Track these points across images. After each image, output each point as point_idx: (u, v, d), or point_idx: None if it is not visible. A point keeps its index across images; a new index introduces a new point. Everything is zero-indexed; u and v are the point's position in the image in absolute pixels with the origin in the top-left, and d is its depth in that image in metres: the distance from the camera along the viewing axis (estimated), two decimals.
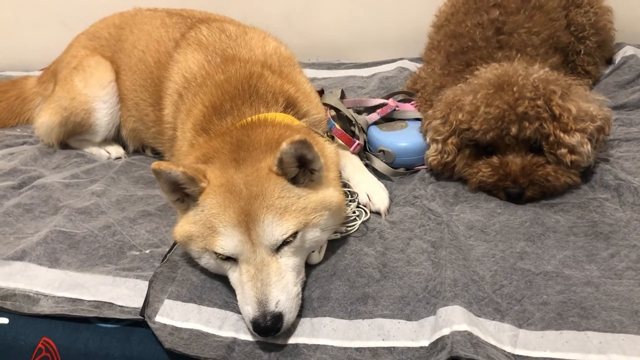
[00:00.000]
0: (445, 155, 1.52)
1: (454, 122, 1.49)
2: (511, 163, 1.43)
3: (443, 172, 1.56)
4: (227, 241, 1.19)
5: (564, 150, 1.40)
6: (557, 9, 1.87)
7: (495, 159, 1.46)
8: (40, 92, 2.23)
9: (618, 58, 2.07)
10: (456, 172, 1.54)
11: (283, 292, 1.17)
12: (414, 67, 2.26)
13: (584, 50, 1.94)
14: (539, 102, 1.39)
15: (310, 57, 2.57)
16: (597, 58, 1.99)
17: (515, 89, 1.41)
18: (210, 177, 1.25)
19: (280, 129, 1.35)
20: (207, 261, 1.29)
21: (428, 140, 1.56)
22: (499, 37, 1.73)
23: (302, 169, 1.28)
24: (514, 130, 1.40)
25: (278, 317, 1.14)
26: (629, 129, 1.67)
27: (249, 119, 1.39)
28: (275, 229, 1.19)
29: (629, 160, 1.53)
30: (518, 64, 1.52)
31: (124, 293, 1.33)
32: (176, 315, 1.24)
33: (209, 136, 1.40)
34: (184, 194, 1.28)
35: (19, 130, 2.29)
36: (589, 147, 1.40)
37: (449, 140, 1.51)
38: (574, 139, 1.39)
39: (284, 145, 1.19)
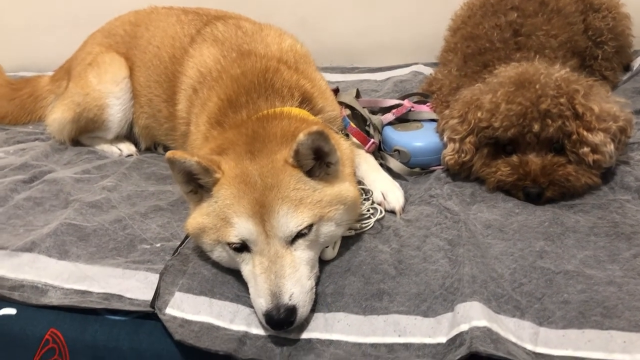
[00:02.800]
0: (462, 155, 1.49)
1: (473, 121, 1.46)
2: (531, 162, 1.41)
3: (460, 172, 1.53)
4: (241, 230, 1.17)
5: (586, 149, 1.38)
6: (575, 13, 1.86)
7: (515, 158, 1.43)
8: (54, 90, 2.23)
9: (636, 65, 2.05)
10: (474, 172, 1.52)
11: (297, 285, 1.15)
12: (428, 71, 2.25)
13: (601, 55, 1.92)
14: (562, 100, 1.37)
15: (323, 62, 2.57)
16: (615, 64, 1.97)
17: (537, 86, 1.39)
18: (224, 168, 1.24)
19: (296, 122, 1.34)
20: (219, 254, 1.27)
21: (445, 139, 1.54)
22: (516, 38, 1.72)
23: (317, 162, 1.26)
24: (536, 127, 1.37)
25: (291, 310, 1.12)
26: None
27: (265, 112, 1.38)
28: (290, 220, 1.17)
29: None
30: (539, 63, 1.50)
31: (133, 285, 1.31)
32: (187, 308, 1.22)
33: (223, 128, 1.38)
34: (197, 185, 1.27)
35: (31, 127, 2.29)
36: (612, 146, 1.38)
37: (467, 139, 1.48)
38: (597, 137, 1.36)
39: (301, 136, 1.17)
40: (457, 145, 1.50)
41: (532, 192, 1.40)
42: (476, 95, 1.51)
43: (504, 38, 1.72)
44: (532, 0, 1.80)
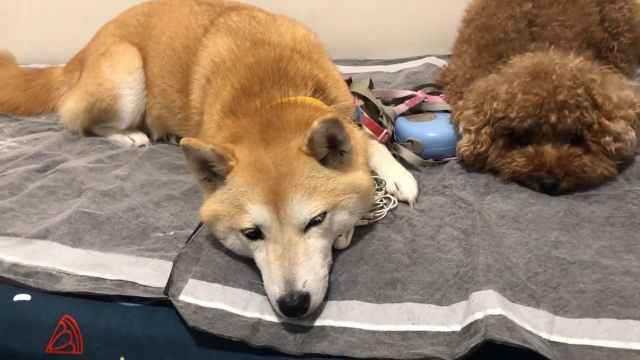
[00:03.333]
0: (478, 146, 1.48)
1: (489, 112, 1.45)
2: (546, 153, 1.40)
3: (475, 163, 1.52)
4: (255, 216, 1.17)
5: (608, 139, 1.37)
6: (591, 4, 1.84)
7: (530, 149, 1.42)
8: (67, 81, 2.24)
9: None
10: (488, 163, 1.51)
11: (310, 273, 1.15)
12: (441, 63, 2.23)
13: (617, 47, 1.90)
14: (579, 91, 1.36)
15: (335, 55, 2.56)
16: (631, 56, 1.94)
17: (554, 77, 1.38)
18: (238, 156, 1.24)
19: (310, 110, 1.34)
20: (232, 242, 1.27)
21: (461, 130, 1.53)
22: (531, 29, 1.70)
23: (331, 150, 1.26)
24: (553, 118, 1.36)
25: (305, 297, 1.12)
26: None
27: (279, 100, 1.38)
28: (304, 208, 1.17)
29: None
30: (553, 53, 1.49)
31: (147, 273, 1.31)
32: (200, 295, 1.22)
33: (237, 117, 1.38)
34: (211, 172, 1.27)
35: (44, 118, 2.30)
36: (633, 133, 1.38)
37: (483, 130, 1.47)
38: (619, 126, 1.36)
39: (315, 124, 1.17)
40: (473, 136, 1.49)
41: (548, 182, 1.39)
42: (491, 86, 1.50)
43: (518, 29, 1.71)
44: None
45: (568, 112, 1.36)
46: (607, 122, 1.36)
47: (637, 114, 1.39)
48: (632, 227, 1.26)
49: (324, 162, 1.25)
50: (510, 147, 1.47)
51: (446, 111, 1.72)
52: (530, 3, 1.76)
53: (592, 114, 1.36)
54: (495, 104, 1.44)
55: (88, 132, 2.09)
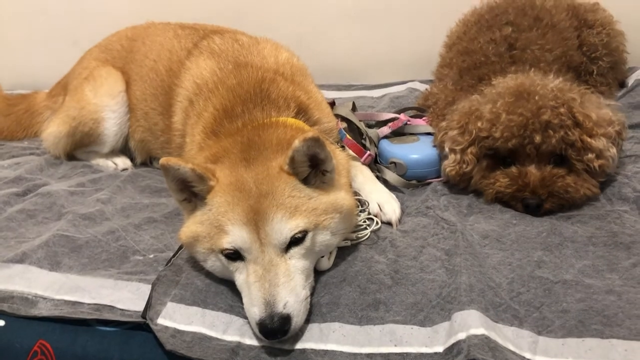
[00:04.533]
0: (464, 165, 1.48)
1: (474, 131, 1.46)
2: (530, 174, 1.40)
3: (460, 183, 1.53)
4: (235, 238, 1.15)
5: (591, 156, 1.38)
6: (570, 28, 1.88)
7: (514, 169, 1.43)
8: (50, 106, 2.23)
9: (631, 81, 2.06)
10: (472, 184, 1.51)
11: (291, 294, 1.13)
12: (424, 88, 2.24)
13: (596, 70, 1.93)
14: (562, 110, 1.37)
15: (320, 80, 2.57)
16: (610, 79, 1.98)
17: (537, 97, 1.39)
18: (219, 176, 1.23)
19: (292, 130, 1.33)
20: (212, 264, 1.25)
21: (446, 150, 1.53)
22: (511, 52, 1.73)
23: (313, 170, 1.25)
24: (537, 138, 1.37)
25: (286, 318, 1.10)
26: None
27: (261, 121, 1.37)
28: (284, 227, 1.15)
29: None
30: (534, 74, 1.51)
31: (125, 296, 1.29)
32: (179, 318, 1.20)
33: (218, 138, 1.37)
34: (191, 193, 1.25)
35: (26, 142, 2.28)
36: (614, 150, 1.39)
37: (469, 150, 1.48)
38: (600, 143, 1.37)
39: (297, 142, 1.16)
40: (459, 156, 1.50)
41: (532, 203, 1.39)
42: (475, 106, 1.51)
43: (499, 52, 1.74)
44: (526, 15, 1.82)
45: (552, 132, 1.37)
46: (589, 140, 1.37)
47: (617, 132, 1.40)
48: (614, 246, 1.25)
49: (305, 181, 1.24)
50: (493, 168, 1.47)
51: (429, 133, 1.73)
52: (510, 27, 1.79)
53: (574, 132, 1.37)
54: (479, 124, 1.45)
55: (70, 157, 2.07)
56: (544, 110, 1.37)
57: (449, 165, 1.51)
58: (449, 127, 1.54)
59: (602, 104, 1.46)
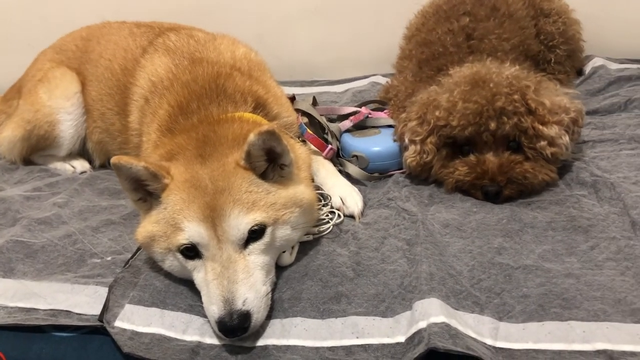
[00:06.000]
0: (424, 155, 1.48)
1: (432, 121, 1.46)
2: (488, 161, 1.40)
3: (421, 174, 1.52)
4: (192, 234, 1.13)
5: (543, 143, 1.38)
6: (527, 17, 1.89)
7: (472, 157, 1.43)
8: (5, 110, 2.15)
9: (588, 69, 2.08)
10: (433, 174, 1.50)
11: (251, 290, 1.11)
12: (386, 81, 2.24)
13: (554, 59, 1.95)
14: (516, 97, 1.37)
15: (283, 76, 2.55)
16: (568, 67, 2.00)
17: (491, 85, 1.39)
18: (173, 173, 1.20)
19: (248, 125, 1.31)
20: (170, 263, 1.22)
21: (406, 141, 1.53)
22: (469, 42, 1.73)
23: (271, 164, 1.23)
24: (492, 125, 1.37)
25: (245, 315, 1.08)
26: (602, 132, 1.66)
27: (216, 117, 1.35)
28: (242, 222, 1.13)
29: (604, 159, 1.51)
30: (490, 63, 1.51)
31: (82, 300, 1.25)
32: (137, 320, 1.17)
33: (173, 135, 1.34)
34: (146, 192, 1.22)
35: None
36: (567, 138, 1.39)
37: (428, 140, 1.47)
38: (552, 130, 1.37)
39: (252, 137, 1.15)
40: (419, 146, 1.49)
41: (491, 190, 1.39)
42: (433, 96, 1.51)
43: (457, 42, 1.74)
44: (483, 5, 1.82)
45: (506, 118, 1.37)
46: (540, 127, 1.38)
47: (571, 119, 1.41)
48: (573, 230, 1.26)
49: (263, 176, 1.22)
50: (453, 157, 1.47)
51: (390, 126, 1.72)
52: (467, 17, 1.79)
53: (527, 119, 1.38)
54: (437, 113, 1.45)
55: (27, 161, 2.01)
56: (498, 97, 1.37)
57: (410, 156, 1.50)
58: (409, 119, 1.53)
59: (559, 92, 1.47)
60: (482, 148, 1.43)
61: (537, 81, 1.45)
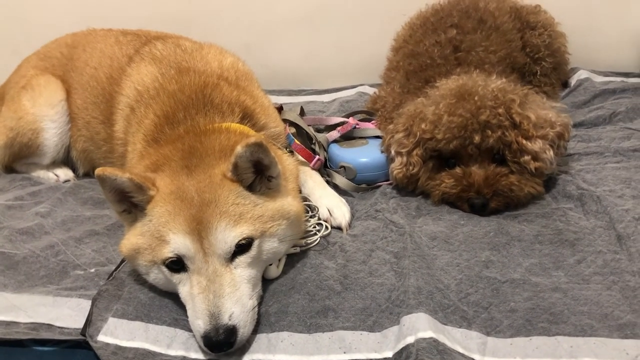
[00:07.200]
0: (410, 167, 1.48)
1: (418, 133, 1.46)
2: (474, 173, 1.41)
3: (407, 185, 1.52)
4: (177, 246, 1.11)
5: (527, 158, 1.39)
6: (513, 30, 1.91)
7: (458, 170, 1.43)
8: None
9: (573, 81, 2.10)
10: (419, 186, 1.50)
11: (237, 305, 1.09)
12: (373, 91, 2.24)
13: (540, 71, 1.97)
14: (500, 111, 1.38)
15: (271, 85, 2.55)
16: (554, 79, 2.01)
17: (476, 98, 1.40)
18: (159, 185, 1.18)
19: (235, 135, 1.30)
20: (155, 276, 1.20)
21: (392, 153, 1.53)
22: (456, 54, 1.74)
23: (258, 176, 1.22)
24: (477, 138, 1.38)
25: (231, 330, 1.06)
26: (588, 144, 1.68)
27: (203, 127, 1.33)
28: (228, 235, 1.12)
29: (590, 172, 1.52)
30: (477, 75, 1.52)
31: (65, 313, 1.23)
32: (121, 334, 1.15)
33: (159, 145, 1.33)
34: (131, 204, 1.21)
35: None
36: (551, 153, 1.40)
37: (414, 152, 1.48)
38: (536, 145, 1.38)
39: (239, 149, 1.13)
40: (405, 158, 1.49)
41: (477, 203, 1.39)
42: (419, 108, 1.51)
43: (444, 54, 1.74)
44: (470, 18, 1.83)
45: (490, 132, 1.38)
46: (524, 142, 1.38)
47: (556, 133, 1.42)
48: (559, 243, 1.27)
49: (250, 188, 1.21)
50: (439, 169, 1.47)
51: (377, 137, 1.72)
52: (454, 30, 1.80)
53: (511, 133, 1.38)
54: (423, 125, 1.45)
55: (9, 169, 1.98)
56: (482, 110, 1.38)
57: (396, 168, 1.50)
58: (395, 130, 1.53)
59: (546, 105, 1.48)
60: (468, 161, 1.44)
61: (524, 94, 1.46)
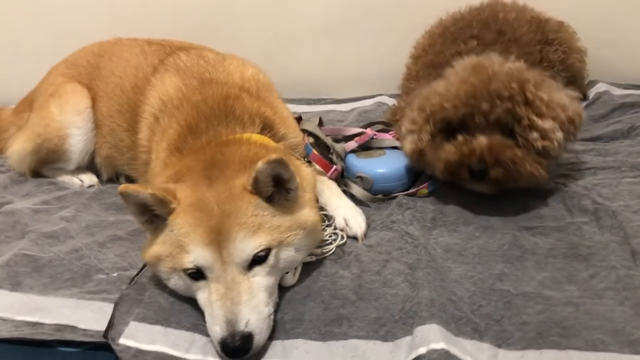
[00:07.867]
0: (419, 143, 1.50)
1: (429, 108, 1.47)
2: (477, 140, 1.41)
3: (419, 162, 1.54)
4: (197, 257, 1.15)
5: (535, 135, 1.38)
6: (532, 43, 1.92)
7: (460, 138, 1.43)
8: (16, 122, 2.19)
9: (592, 94, 2.10)
10: (427, 162, 1.52)
11: (254, 312, 1.12)
12: (392, 102, 2.27)
13: None
14: (513, 85, 1.38)
15: (290, 94, 2.58)
16: None
17: (490, 70, 1.40)
18: (180, 197, 1.22)
19: (255, 147, 1.33)
20: (175, 282, 1.24)
21: (404, 130, 1.54)
22: None
23: (277, 188, 1.25)
24: (484, 106, 1.38)
25: (248, 337, 1.09)
26: (605, 159, 1.68)
27: (224, 138, 1.37)
28: (247, 245, 1.15)
29: (606, 187, 1.53)
30: (495, 57, 1.52)
31: (87, 316, 1.27)
32: (141, 338, 1.18)
33: (182, 155, 1.37)
34: (153, 215, 1.25)
35: None
36: (561, 134, 1.40)
37: (425, 127, 1.49)
38: (547, 124, 1.38)
39: (260, 165, 1.17)
40: (416, 135, 1.51)
41: (476, 168, 1.39)
42: (433, 87, 1.52)
43: None
44: (490, 29, 1.85)
45: (499, 101, 1.37)
46: (535, 119, 1.38)
47: (567, 117, 1.41)
48: (573, 258, 1.28)
49: (269, 199, 1.24)
50: (446, 142, 1.48)
51: (395, 147, 1.74)
52: (475, 41, 1.82)
53: (522, 108, 1.38)
54: (433, 100, 1.47)
55: (36, 174, 2.04)
56: (494, 80, 1.38)
57: (408, 142, 1.52)
58: (410, 109, 1.55)
59: (561, 90, 1.47)
60: (475, 131, 1.43)
61: (540, 78, 1.46)
